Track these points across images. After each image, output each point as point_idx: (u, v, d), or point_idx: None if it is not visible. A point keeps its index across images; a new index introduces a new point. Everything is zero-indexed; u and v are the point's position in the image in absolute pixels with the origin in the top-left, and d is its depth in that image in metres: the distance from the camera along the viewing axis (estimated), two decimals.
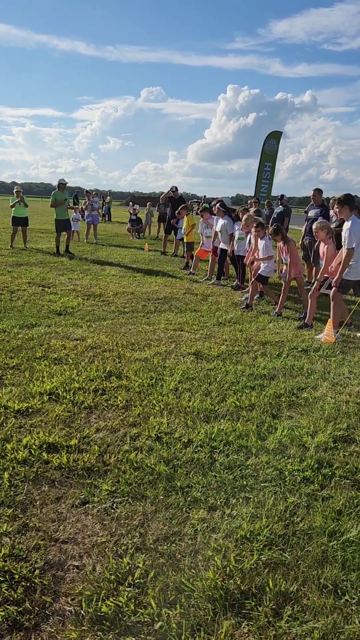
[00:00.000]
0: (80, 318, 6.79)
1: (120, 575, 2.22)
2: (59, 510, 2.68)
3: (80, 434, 3.50)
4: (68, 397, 4.09)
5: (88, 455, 3.22)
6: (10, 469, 3.02)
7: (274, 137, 23.31)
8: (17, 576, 2.19)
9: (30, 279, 9.44)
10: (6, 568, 2.23)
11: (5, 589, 2.12)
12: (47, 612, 2.04)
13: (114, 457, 3.21)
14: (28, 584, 2.16)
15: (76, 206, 20.34)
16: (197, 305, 8.06)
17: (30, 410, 3.84)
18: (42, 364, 4.85)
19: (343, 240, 6.36)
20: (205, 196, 35.48)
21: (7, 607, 2.04)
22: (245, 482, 3.00)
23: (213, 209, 10.48)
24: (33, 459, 3.15)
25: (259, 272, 8.20)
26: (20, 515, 2.61)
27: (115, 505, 2.74)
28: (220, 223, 10.12)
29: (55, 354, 5.15)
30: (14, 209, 14.51)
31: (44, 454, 3.21)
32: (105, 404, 4.03)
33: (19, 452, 3.20)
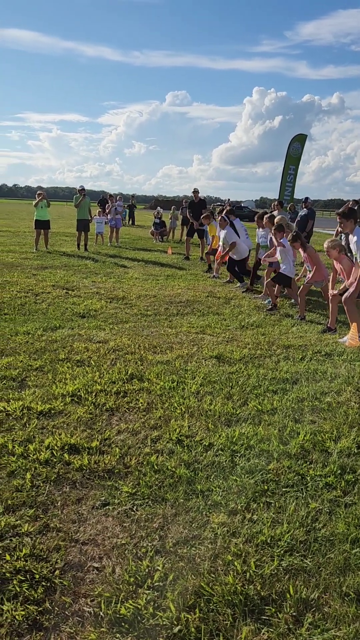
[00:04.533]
0: (103, 321, 6.84)
1: (139, 578, 2.22)
2: (80, 512, 2.69)
3: (101, 435, 3.52)
4: (90, 399, 4.12)
5: (109, 457, 3.24)
6: (33, 469, 3.05)
7: (299, 140, 23.17)
8: (37, 576, 2.21)
9: (54, 281, 9.55)
10: (27, 568, 2.25)
11: (26, 589, 2.14)
12: (66, 612, 2.05)
13: (135, 459, 3.22)
14: (48, 584, 2.18)
15: (99, 210, 20.55)
16: (220, 309, 8.04)
17: (52, 411, 3.88)
18: (64, 365, 4.89)
19: (354, 254, 6.32)
20: (229, 199, 35.45)
21: (28, 606, 2.05)
22: (266, 487, 2.97)
23: (216, 217, 10.73)
24: (55, 460, 3.18)
25: (279, 271, 8.22)
26: (41, 516, 2.64)
27: (135, 507, 2.74)
28: (221, 234, 10.14)
29: (78, 356, 5.19)
30: (36, 212, 14.77)
31: (65, 455, 3.23)
32: (127, 407, 4.04)
33: (41, 453, 3.23)
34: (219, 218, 10.31)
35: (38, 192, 15.25)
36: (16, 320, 6.59)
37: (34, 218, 14.97)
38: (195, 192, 14.41)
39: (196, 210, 13.48)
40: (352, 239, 6.30)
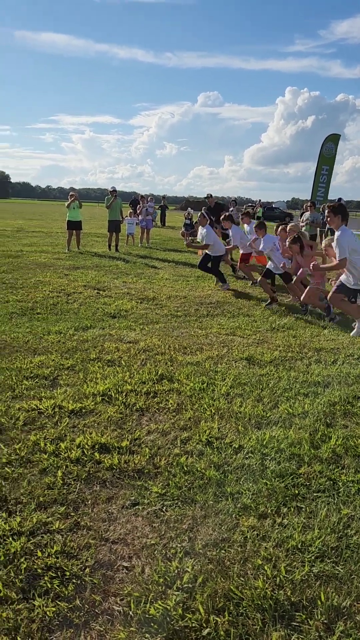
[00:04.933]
0: (134, 321, 6.88)
1: (168, 579, 2.22)
2: (110, 511, 2.71)
3: (131, 435, 3.54)
4: (120, 398, 4.15)
5: (139, 457, 3.25)
6: (64, 467, 3.09)
7: (332, 140, 22.86)
8: (68, 573, 2.23)
9: (85, 282, 9.66)
10: (58, 565, 2.28)
11: (57, 585, 2.17)
12: (96, 610, 2.07)
13: (165, 460, 3.22)
14: (79, 582, 2.20)
15: (130, 211, 20.73)
16: (250, 310, 7.99)
17: (83, 410, 3.92)
18: (95, 365, 4.94)
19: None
20: (259, 200, 35.22)
21: (58, 603, 2.08)
22: (297, 491, 2.93)
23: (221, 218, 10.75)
24: (86, 458, 3.21)
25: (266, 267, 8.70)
26: (72, 514, 2.67)
27: (164, 508, 2.75)
28: (200, 232, 10.10)
29: (109, 356, 5.23)
30: (68, 213, 14.99)
31: (96, 454, 3.26)
32: (157, 407, 4.05)
33: (72, 451, 3.27)
34: (199, 215, 10.25)
35: (70, 193, 15.48)
36: (48, 319, 6.70)
37: (66, 219, 15.19)
38: (209, 197, 14.39)
39: (214, 214, 13.41)
40: (336, 234, 6.23)
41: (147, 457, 3.26)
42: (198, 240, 10.33)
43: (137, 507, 2.75)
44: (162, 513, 2.71)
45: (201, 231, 10.02)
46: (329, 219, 6.39)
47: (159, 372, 4.78)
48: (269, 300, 8.45)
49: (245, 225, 11.67)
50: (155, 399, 4.19)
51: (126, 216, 18.37)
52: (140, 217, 18.24)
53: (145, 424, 3.76)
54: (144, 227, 18.04)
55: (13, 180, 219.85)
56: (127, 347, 5.57)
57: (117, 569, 2.29)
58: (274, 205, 54.99)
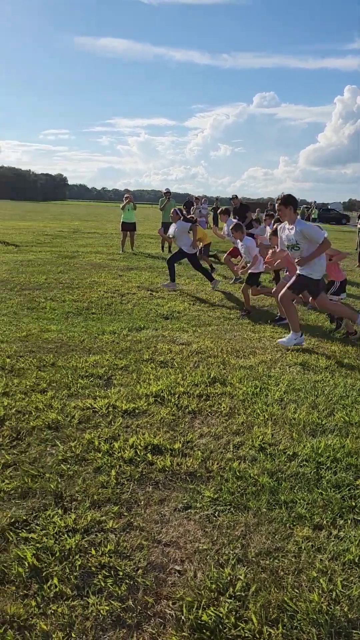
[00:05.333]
0: (186, 323, 6.89)
1: (221, 585, 2.20)
2: (162, 513, 2.72)
3: (184, 438, 3.54)
4: (173, 400, 4.16)
5: (191, 460, 3.24)
6: (117, 467, 3.12)
7: None
8: (121, 573, 2.25)
9: (139, 282, 9.77)
10: (111, 564, 2.30)
11: (110, 584, 2.19)
12: (148, 612, 2.07)
13: (217, 464, 3.20)
14: (131, 582, 2.21)
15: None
16: (305, 315, 7.83)
17: (136, 411, 3.95)
18: (148, 366, 4.97)
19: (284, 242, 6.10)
20: (315, 202, 34.55)
21: (112, 602, 2.10)
22: (354, 503, 2.84)
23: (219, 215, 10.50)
24: (138, 459, 3.23)
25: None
26: (125, 514, 2.69)
27: (217, 513, 2.72)
28: (172, 228, 9.73)
29: (162, 357, 5.26)
30: (123, 214, 15.23)
31: (148, 455, 3.28)
32: (209, 410, 4.04)
33: (126, 451, 3.30)
34: (172, 212, 10.01)
35: (125, 195, 15.72)
36: (103, 319, 6.81)
37: (121, 220, 15.43)
38: (234, 198, 14.26)
39: (239, 216, 13.19)
40: (297, 226, 5.87)
41: (200, 460, 3.25)
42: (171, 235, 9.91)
43: (189, 510, 2.75)
44: (214, 518, 2.69)
45: (173, 228, 9.68)
46: (280, 212, 6.01)
47: (212, 375, 4.76)
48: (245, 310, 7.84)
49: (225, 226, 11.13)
50: (208, 402, 4.18)
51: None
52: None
53: (197, 426, 3.76)
54: None
55: (70, 182, 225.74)
56: (179, 349, 5.58)
57: (169, 572, 2.29)
58: (329, 207, 53.79)
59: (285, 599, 2.13)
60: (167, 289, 9.35)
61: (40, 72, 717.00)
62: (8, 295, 8.01)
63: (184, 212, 10.52)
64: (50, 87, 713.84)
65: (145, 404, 4.06)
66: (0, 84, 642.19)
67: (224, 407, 4.07)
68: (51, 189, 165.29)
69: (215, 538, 2.52)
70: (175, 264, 9.71)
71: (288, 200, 5.88)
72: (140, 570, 2.28)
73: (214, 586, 2.19)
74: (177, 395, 4.26)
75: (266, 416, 3.94)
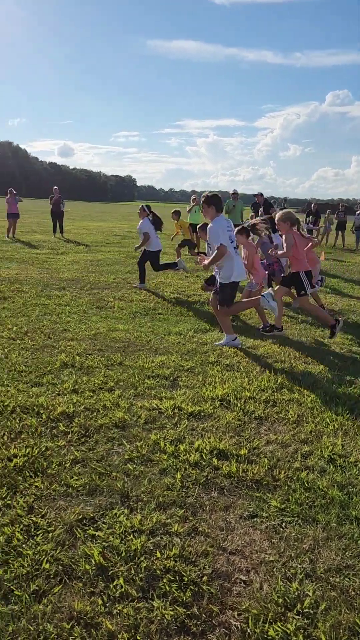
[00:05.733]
0: (253, 325, 6.79)
1: (288, 600, 2.13)
2: (228, 520, 2.68)
3: (250, 444, 3.48)
4: (239, 405, 4.10)
5: (257, 467, 3.18)
6: (183, 470, 3.11)
7: None
8: (186, 579, 2.23)
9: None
10: (176, 568, 2.29)
11: (175, 589, 2.17)
12: (213, 621, 2.04)
13: (284, 473, 3.12)
14: (196, 589, 2.19)
15: (252, 214, 20.60)
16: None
17: (202, 414, 3.93)
18: (214, 369, 4.94)
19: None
20: None
21: (177, 607, 2.08)
22: None
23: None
24: (204, 463, 3.21)
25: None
26: (190, 518, 2.67)
27: (284, 524, 2.65)
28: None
29: (228, 360, 5.21)
30: (189, 216, 15.28)
31: (214, 459, 3.25)
32: (276, 417, 3.95)
33: (191, 454, 3.29)
34: (140, 208, 9.70)
35: (193, 196, 15.76)
36: (169, 320, 6.85)
37: (187, 222, 15.47)
38: (259, 195, 14.01)
39: (265, 214, 12.78)
40: (209, 225, 5.76)
41: (266, 468, 3.18)
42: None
43: (255, 519, 2.69)
44: (281, 529, 2.61)
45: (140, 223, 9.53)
46: (203, 210, 5.93)
47: (279, 381, 4.66)
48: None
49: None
50: (275, 408, 4.09)
51: (247, 219, 18.29)
52: None
53: (264, 433, 3.68)
54: None
55: (139, 183, 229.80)
56: (246, 352, 5.51)
57: (234, 582, 2.25)
58: None
59: (357, 620, 2.04)
60: (138, 289, 9.17)
61: (114, 76, 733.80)
62: (78, 294, 8.23)
63: (152, 210, 10.10)
64: (122, 90, 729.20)
65: (211, 408, 4.03)
66: (76, 89, 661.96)
67: (291, 414, 3.97)
68: (120, 190, 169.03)
69: (282, 550, 2.45)
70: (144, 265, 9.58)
71: (210, 200, 5.77)
72: (205, 577, 2.25)
73: (280, 600, 2.13)
74: (243, 400, 4.20)
75: (336, 426, 3.80)
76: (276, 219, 6.15)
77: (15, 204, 17.93)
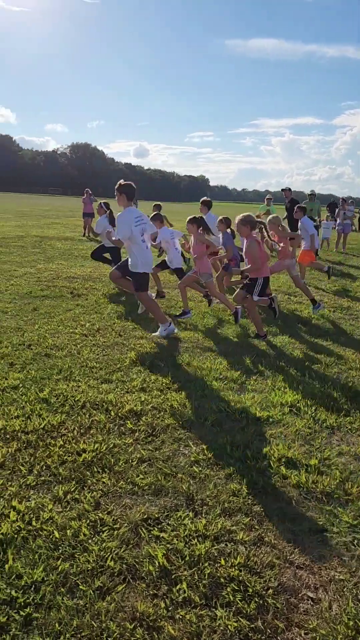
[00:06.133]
0: (325, 331, 6.57)
1: (359, 624, 2.02)
2: (295, 532, 2.58)
3: (320, 454, 3.35)
4: (309, 412, 3.97)
5: (328, 479, 3.05)
6: (249, 476, 3.04)
7: None
8: (250, 590, 2.17)
9: (277, 285, 9.56)
10: (241, 578, 2.23)
11: (239, 600, 2.11)
12: (278, 638, 1.96)
13: (357, 487, 2.97)
14: (261, 602, 2.12)
15: (328, 214, 20.02)
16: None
17: (270, 419, 3.83)
18: (284, 374, 4.81)
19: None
20: None
21: (240, 619, 2.02)
22: None
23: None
24: (271, 470, 3.12)
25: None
26: (256, 527, 2.60)
27: (356, 541, 2.52)
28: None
29: (299, 366, 5.06)
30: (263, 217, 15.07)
31: (282, 468, 3.15)
32: (349, 427, 3.78)
33: (258, 460, 3.21)
34: (98, 205, 9.45)
35: (267, 196, 15.53)
36: (241, 322, 6.75)
37: None
38: (286, 190, 13.11)
39: (289, 210, 11.90)
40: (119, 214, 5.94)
41: (338, 480, 3.04)
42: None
43: (324, 534, 2.58)
44: (352, 547, 2.48)
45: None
46: (116, 197, 5.92)
47: (352, 389, 4.47)
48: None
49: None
50: (348, 418, 3.92)
51: (322, 219, 17.79)
52: (337, 221, 17.49)
53: (335, 443, 3.53)
54: (341, 232, 17.25)
55: (211, 183, 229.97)
56: (318, 358, 5.33)
57: (301, 598, 2.16)
58: None
59: None
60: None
61: (191, 77, 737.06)
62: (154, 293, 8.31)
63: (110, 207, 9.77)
64: (199, 91, 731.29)
65: (280, 414, 3.93)
66: (153, 91, 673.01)
67: None
68: (193, 190, 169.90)
69: (353, 569, 2.33)
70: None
71: (121, 188, 5.85)
72: (270, 590, 2.18)
73: (351, 623, 2.01)
74: (314, 408, 4.06)
75: None
76: (236, 221, 6.11)
77: (90, 204, 18.44)
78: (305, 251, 9.20)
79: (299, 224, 9.14)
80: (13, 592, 2.09)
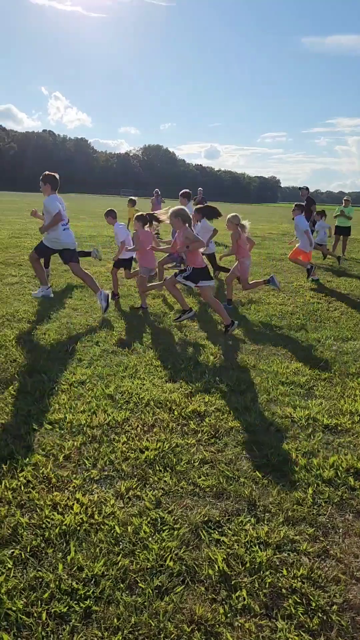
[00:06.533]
0: None
1: None
2: None
3: None
4: None
5: None
6: (315, 485, 2.93)
7: None
8: (313, 604, 2.08)
9: (349, 290, 9.24)
10: (303, 590, 2.14)
11: (301, 613, 2.04)
12: None
13: None
14: (324, 617, 2.03)
15: None
16: None
17: (339, 427, 3.69)
18: (355, 381, 4.63)
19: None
20: None
21: (302, 633, 1.94)
22: None
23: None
24: (339, 481, 2.99)
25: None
26: (321, 538, 2.50)
27: None
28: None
29: None
30: (337, 218, 14.58)
31: (350, 478, 3.01)
32: None
33: (325, 470, 3.09)
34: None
35: (345, 199, 15.03)
36: (307, 326, 6.58)
37: (335, 224, 14.80)
38: (304, 189, 12.50)
39: (305, 208, 11.16)
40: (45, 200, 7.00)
41: None
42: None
43: None
44: None
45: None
46: (41, 188, 6.94)
47: None
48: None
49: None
50: None
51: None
52: None
53: None
54: None
55: (283, 185, 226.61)
56: None
57: None
58: None
59: None
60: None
61: (265, 77, 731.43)
62: (215, 293, 8.28)
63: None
64: (273, 91, 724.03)
65: (349, 422, 3.77)
66: (227, 92, 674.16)
67: None
68: (264, 191, 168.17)
69: None
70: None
71: (45, 179, 6.89)
72: (335, 607, 2.08)
73: None
74: None
75: None
76: (169, 213, 6.11)
77: (159, 205, 18.66)
78: (298, 250, 9.81)
79: (294, 221, 9.69)
80: (74, 584, 2.12)
